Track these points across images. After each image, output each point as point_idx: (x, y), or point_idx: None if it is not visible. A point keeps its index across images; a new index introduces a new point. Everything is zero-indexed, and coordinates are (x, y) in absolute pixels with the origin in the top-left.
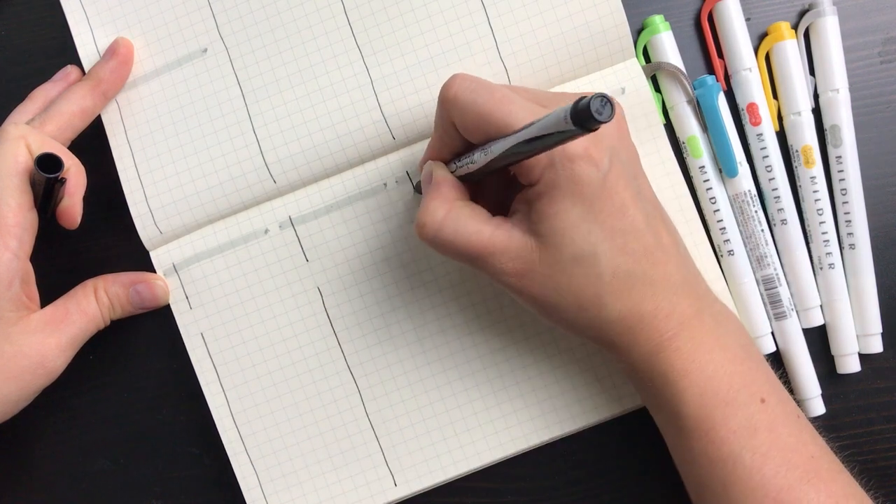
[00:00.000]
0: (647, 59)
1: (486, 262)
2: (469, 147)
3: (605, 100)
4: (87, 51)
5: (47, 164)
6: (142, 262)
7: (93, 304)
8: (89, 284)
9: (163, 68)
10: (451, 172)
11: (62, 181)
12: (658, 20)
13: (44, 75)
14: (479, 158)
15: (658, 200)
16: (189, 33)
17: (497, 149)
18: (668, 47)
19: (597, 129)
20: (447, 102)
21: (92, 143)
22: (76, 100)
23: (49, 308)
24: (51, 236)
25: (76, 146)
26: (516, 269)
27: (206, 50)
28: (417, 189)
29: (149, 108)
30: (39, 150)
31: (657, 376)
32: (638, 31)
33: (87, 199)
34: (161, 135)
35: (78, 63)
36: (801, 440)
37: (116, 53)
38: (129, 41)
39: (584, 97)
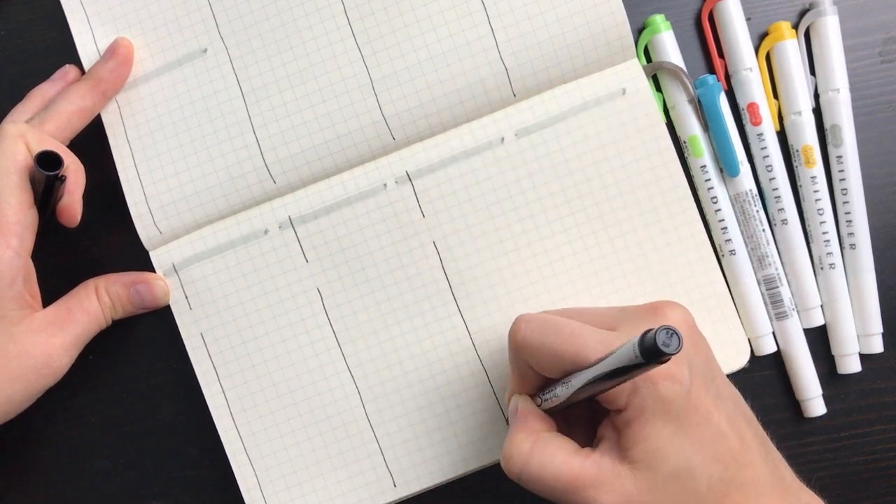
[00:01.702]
0: (648, 58)
1: (577, 496)
2: (549, 380)
3: (671, 332)
4: (88, 51)
5: (47, 162)
6: (142, 262)
7: (94, 303)
8: (90, 284)
9: (163, 68)
10: (538, 406)
11: (62, 179)
12: (659, 20)
13: (44, 75)
14: (562, 393)
15: (734, 391)
16: (189, 33)
17: (577, 383)
18: (668, 47)
19: (667, 361)
20: (518, 347)
21: (92, 143)
22: (75, 99)
23: (51, 308)
24: (51, 236)
25: (76, 145)
26: (612, 501)
27: (205, 50)
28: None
29: (149, 108)
30: (38, 148)
31: None
32: (639, 31)
33: (87, 199)
34: (161, 135)
35: (78, 63)
36: None
37: (116, 53)
38: (128, 41)
39: (650, 331)
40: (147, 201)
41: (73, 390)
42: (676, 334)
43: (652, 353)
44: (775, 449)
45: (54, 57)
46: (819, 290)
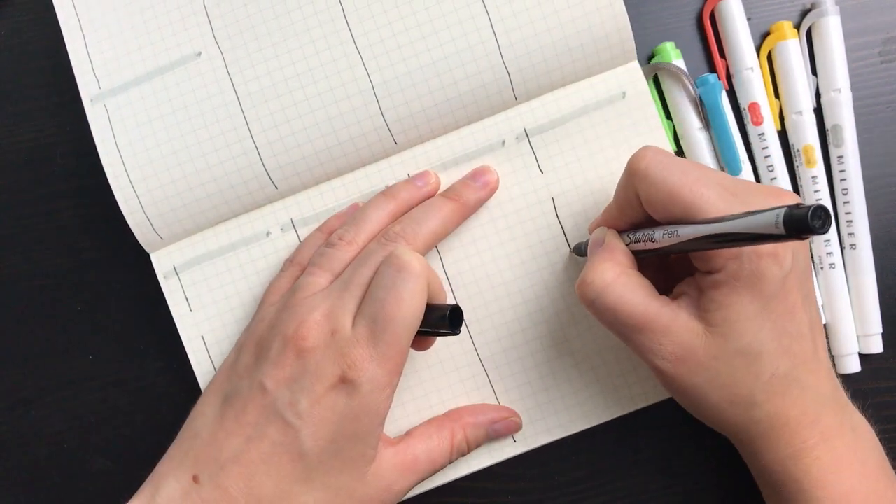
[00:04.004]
0: (658, 86)
1: (644, 337)
2: (647, 220)
3: (825, 212)
4: (79, 57)
5: (455, 319)
6: (142, 262)
7: (445, 455)
8: (448, 428)
9: (154, 72)
10: (626, 245)
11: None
12: (669, 47)
13: (44, 75)
14: (660, 238)
15: (817, 303)
16: (183, 37)
17: (684, 234)
18: (679, 81)
19: (805, 239)
20: (636, 174)
21: (92, 142)
22: (447, 225)
23: (401, 446)
24: (51, 236)
25: (73, 144)
26: (675, 353)
27: (199, 54)
28: (577, 251)
29: (139, 113)
30: (435, 290)
31: (791, 482)
32: (648, 58)
33: (87, 198)
34: (153, 141)
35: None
36: None
37: (488, 185)
38: (497, 175)
39: (800, 205)
40: (144, 210)
41: (73, 390)
42: (829, 216)
43: (800, 227)
44: (839, 381)
45: (54, 57)
46: (819, 290)
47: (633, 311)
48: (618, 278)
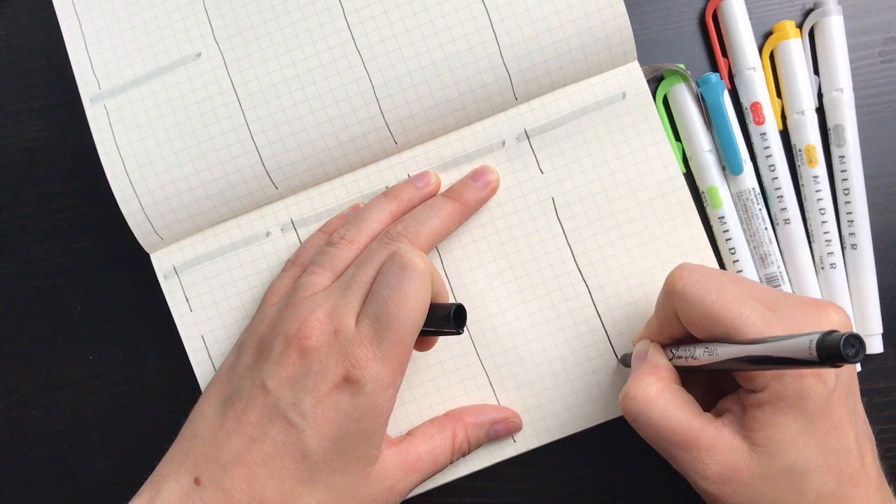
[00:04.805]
0: (668, 107)
1: (688, 454)
2: (689, 335)
3: (858, 340)
4: (79, 58)
5: (457, 316)
6: (142, 262)
7: (447, 455)
8: (449, 428)
9: (154, 72)
10: (669, 360)
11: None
12: (679, 73)
13: (43, 75)
14: (701, 356)
15: (864, 414)
16: (183, 37)
17: (724, 353)
18: (689, 100)
19: (840, 367)
20: (673, 295)
21: (92, 142)
22: (449, 225)
23: (403, 446)
24: (51, 236)
25: (73, 144)
26: (719, 472)
27: (199, 54)
28: (623, 362)
29: (139, 114)
30: (438, 289)
31: None
32: (657, 81)
33: (87, 198)
34: (153, 141)
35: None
36: None
37: (489, 185)
38: (498, 174)
39: (833, 333)
40: (144, 210)
41: (73, 390)
42: (862, 345)
43: (832, 356)
44: (887, 483)
45: (54, 57)
46: (820, 290)
47: (677, 428)
48: (661, 394)
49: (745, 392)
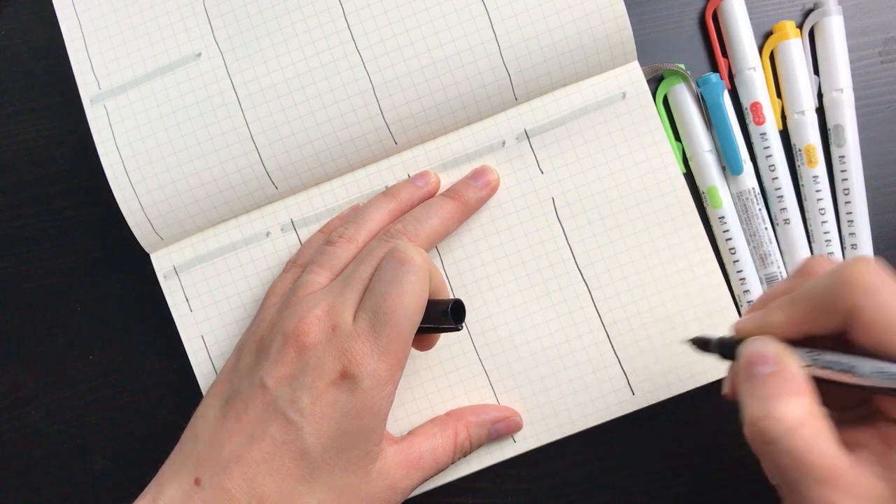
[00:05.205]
0: (667, 107)
1: (820, 489)
2: (827, 337)
3: None
4: (79, 58)
5: (455, 312)
6: (142, 262)
7: (449, 454)
8: (451, 427)
9: (154, 72)
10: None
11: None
12: (679, 73)
13: (43, 75)
14: (867, 373)
15: None
16: (183, 37)
17: None
18: (689, 100)
19: None
20: (859, 288)
21: (92, 142)
22: (449, 224)
23: (404, 444)
24: (51, 236)
25: (73, 144)
26: None
27: (199, 54)
28: (699, 344)
29: (139, 114)
30: (437, 286)
31: None
32: (657, 81)
33: (87, 198)
34: (153, 141)
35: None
36: None
37: (489, 185)
38: (498, 175)
39: None
40: (144, 210)
41: (73, 390)
42: None
43: None
44: None
45: (54, 57)
46: None
47: (822, 463)
48: (810, 420)
49: (890, 424)
